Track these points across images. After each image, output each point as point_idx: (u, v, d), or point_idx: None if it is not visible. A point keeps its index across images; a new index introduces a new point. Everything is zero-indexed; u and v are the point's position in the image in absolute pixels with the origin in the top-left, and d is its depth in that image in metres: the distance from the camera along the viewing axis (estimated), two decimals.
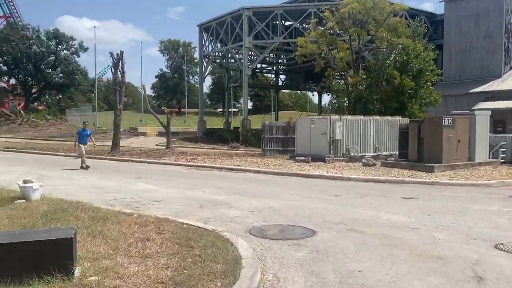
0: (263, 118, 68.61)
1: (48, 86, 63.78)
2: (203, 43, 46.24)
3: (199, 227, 6.29)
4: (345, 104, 25.28)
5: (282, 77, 59.12)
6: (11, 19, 69.20)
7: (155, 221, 6.47)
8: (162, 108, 29.12)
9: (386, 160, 18.59)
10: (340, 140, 19.58)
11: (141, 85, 34.68)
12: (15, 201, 7.80)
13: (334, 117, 19.66)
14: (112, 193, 10.37)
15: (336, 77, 27.82)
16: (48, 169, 15.96)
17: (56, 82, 62.53)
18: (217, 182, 13.12)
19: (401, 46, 25.49)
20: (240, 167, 16.84)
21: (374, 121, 20.76)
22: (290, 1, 42.66)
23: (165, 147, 26.99)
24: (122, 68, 21.96)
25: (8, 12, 72.54)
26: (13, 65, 59.31)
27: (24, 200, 7.84)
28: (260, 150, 27.93)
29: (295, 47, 42.22)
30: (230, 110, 67.50)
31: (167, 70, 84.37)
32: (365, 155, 19.82)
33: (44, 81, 62.08)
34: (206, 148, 30.95)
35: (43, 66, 60.82)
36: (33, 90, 64.37)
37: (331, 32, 26.32)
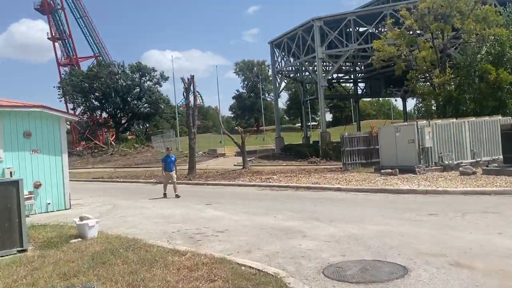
0: (344, 130, 66.26)
1: (135, 117, 67.52)
2: (276, 59, 45.71)
3: (258, 270, 5.15)
4: (433, 108, 22.80)
5: (361, 85, 56.60)
6: (100, 57, 74.83)
7: (209, 262, 5.47)
8: (236, 128, 28.83)
9: (487, 166, 16.09)
10: (430, 147, 17.42)
11: (215, 107, 34.74)
12: (71, 240, 7.30)
13: (422, 122, 17.57)
14: (177, 223, 9.65)
15: (420, 79, 25.39)
16: (125, 198, 15.93)
17: (142, 112, 66.12)
18: (291, 204, 11.93)
19: (493, 37, 22.59)
20: (318, 185, 15.48)
21: (470, 123, 18.27)
22: (362, 6, 40.70)
23: (241, 167, 26.44)
24: (194, 91, 21.86)
25: (97, 52, 78.70)
26: (103, 100, 63.81)
27: (79, 239, 7.32)
28: (341, 164, 26.27)
29: (372, 52, 40.23)
30: (308, 124, 66.20)
31: (243, 90, 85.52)
32: (461, 163, 17.44)
33: (131, 112, 65.89)
34: (284, 165, 29.88)
35: (129, 98, 64.65)
36: (122, 121, 68.59)
37: (410, 31, 24.12)
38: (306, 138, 49.83)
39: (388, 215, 9.34)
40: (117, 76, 62.33)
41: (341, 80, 56.27)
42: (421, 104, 24.26)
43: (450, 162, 17.23)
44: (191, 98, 22.01)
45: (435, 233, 7.26)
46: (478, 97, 22.39)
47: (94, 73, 60.14)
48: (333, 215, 9.68)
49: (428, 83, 24.24)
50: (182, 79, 21.38)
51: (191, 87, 21.53)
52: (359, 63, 47.76)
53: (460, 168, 15.58)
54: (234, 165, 32.16)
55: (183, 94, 23.01)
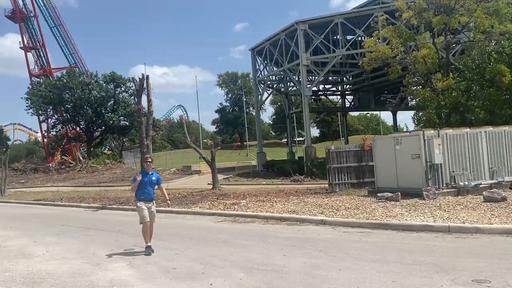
0: (331, 145, 62.75)
1: (110, 130, 62.95)
2: (257, 67, 42.07)
3: None
4: (435, 117, 19.08)
5: (349, 98, 53.20)
6: (77, 68, 70.37)
7: None
8: (219, 143, 24.80)
9: None
10: (441, 164, 13.58)
11: (179, 116, 30.70)
12: None
13: (429, 132, 13.75)
14: None
15: (419, 83, 21.73)
16: (28, 235, 11.70)
17: (116, 125, 61.61)
18: (249, 251, 7.89)
19: (507, 34, 19.14)
20: (296, 215, 11.47)
21: (487, 134, 14.51)
22: (351, 9, 37.40)
23: (211, 187, 22.35)
24: (148, 95, 17.88)
25: (73, 62, 74.33)
26: (73, 112, 59.31)
27: None
28: (327, 184, 22.38)
29: (362, 58, 36.84)
30: (294, 139, 62.47)
31: (227, 104, 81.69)
32: (480, 184, 13.65)
33: (105, 125, 61.37)
34: (264, 184, 25.87)
35: (103, 110, 60.27)
36: (96, 135, 63.99)
37: (408, 26, 20.53)
38: (291, 154, 45.98)
39: (402, 281, 5.39)
40: (89, 87, 57.98)
41: (327, 93, 52.79)
42: (421, 113, 20.53)
43: (466, 183, 13.39)
44: (144, 103, 17.99)
45: None
46: (488, 104, 18.77)
47: (63, 83, 55.70)
48: (312, 282, 5.68)
49: (428, 88, 20.55)
50: (133, 79, 17.33)
51: (145, 90, 17.48)
52: (347, 74, 44.30)
53: (485, 193, 11.73)
54: (208, 183, 28.04)
55: (134, 97, 18.96)
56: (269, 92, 45.68)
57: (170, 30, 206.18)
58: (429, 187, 12.97)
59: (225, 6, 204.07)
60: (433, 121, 18.51)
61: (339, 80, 48.49)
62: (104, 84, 60.55)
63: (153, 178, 8.55)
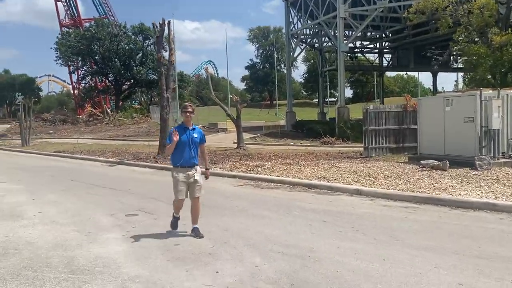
0: (369, 105, 59.88)
1: (138, 84, 62.16)
2: (291, 20, 39.54)
3: None
4: (488, 77, 16.83)
5: (387, 57, 50.02)
6: (106, 19, 69.10)
7: None
8: (236, 99, 23.27)
9: None
10: (498, 130, 11.70)
11: (204, 68, 29.06)
12: None
13: (487, 92, 11.79)
14: None
15: (471, 39, 19.24)
16: (29, 191, 10.77)
17: (144, 79, 60.67)
18: (269, 226, 6.53)
19: None
20: (328, 182, 10.00)
21: None
22: None
23: (236, 146, 21.09)
24: (169, 43, 16.33)
25: (103, 13, 73.17)
26: (102, 64, 58.61)
27: None
28: (362, 147, 20.71)
29: (406, 9, 33.81)
30: (326, 99, 60.13)
31: (258, 60, 79.05)
32: None
33: (133, 78, 60.55)
34: (291, 145, 24.42)
35: (132, 63, 59.29)
36: (124, 88, 63.45)
37: None
38: (322, 114, 44.07)
39: None
40: (118, 38, 56.77)
41: (364, 50, 49.78)
42: (472, 73, 18.23)
43: None
44: (165, 52, 16.45)
45: None
46: None
47: (92, 33, 54.66)
48: (349, 277, 4.28)
49: (483, 44, 18.10)
50: (153, 24, 15.78)
51: (165, 36, 15.91)
52: (386, 30, 41.16)
53: None
54: (233, 142, 26.84)
55: (154, 45, 17.43)
56: (302, 47, 43.29)
57: None
58: (483, 156, 11.17)
59: None
60: (487, 81, 16.30)
61: (377, 36, 45.35)
62: (133, 36, 59.20)
63: (195, 135, 5.97)
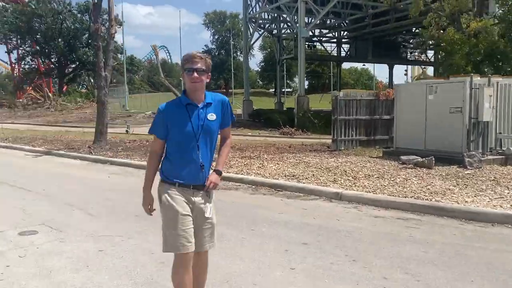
0: (320, 99, 58.96)
1: (84, 66, 57.83)
2: (249, 3, 37.37)
3: None
4: (465, 65, 15.61)
5: (345, 47, 49.04)
6: None
7: None
8: None
9: None
10: (488, 123, 10.30)
11: (152, 46, 26.50)
12: None
13: (479, 79, 10.32)
14: None
15: (442, 25, 17.98)
16: None
17: (91, 61, 56.45)
18: (224, 255, 4.51)
19: None
20: (297, 183, 8.11)
21: None
22: None
23: None
24: (110, 13, 13.76)
25: None
26: (44, 44, 53.90)
27: None
28: (325, 138, 19.11)
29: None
30: (283, 89, 58.70)
31: (213, 46, 76.17)
32: None
33: (78, 60, 56.25)
34: (249, 135, 22.48)
35: (78, 44, 54.97)
36: (68, 71, 58.92)
37: None
38: (279, 104, 42.44)
39: None
40: (61, 16, 52.24)
41: (323, 39, 48.56)
42: (445, 61, 16.97)
43: None
44: (103, 23, 13.80)
45: None
46: None
47: (31, 9, 49.86)
48: None
49: (453, 31, 16.86)
50: None
51: (102, 3, 13.27)
52: (347, 18, 39.97)
53: None
54: None
55: (90, 14, 14.72)
56: (260, 32, 41.19)
57: None
58: (472, 152, 9.71)
59: None
60: (463, 69, 15.04)
61: (336, 25, 44.18)
62: (79, 15, 54.82)
63: (211, 116, 2.92)
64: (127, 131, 22.62)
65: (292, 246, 4.70)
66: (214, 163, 3.03)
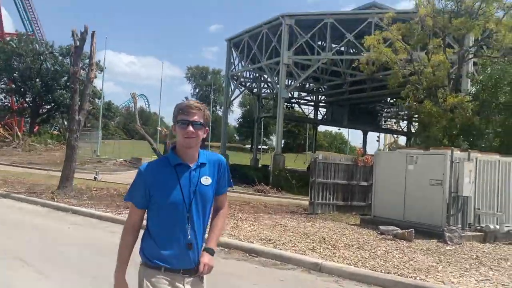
0: (295, 158, 59.30)
1: (59, 108, 56.87)
2: (232, 61, 38.13)
3: None
4: (443, 138, 15.87)
5: (322, 111, 50.21)
6: (33, 37, 63.82)
7: None
8: (165, 131, 20.65)
9: None
10: (468, 198, 10.18)
11: (131, 94, 26.31)
12: None
13: (459, 153, 10.32)
14: None
15: (418, 98, 18.48)
16: None
17: (67, 104, 55.67)
18: None
19: None
20: (274, 249, 7.58)
21: None
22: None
23: None
24: (91, 57, 13.47)
25: (30, 30, 67.69)
26: (20, 83, 53.09)
27: None
28: (299, 199, 18.83)
29: (347, 67, 33.74)
30: (259, 146, 59.00)
31: (193, 99, 76.88)
32: (511, 230, 10.33)
33: (54, 101, 55.37)
34: None
35: (55, 86, 54.38)
36: (42, 111, 57.74)
37: (421, 26, 17.19)
38: (255, 161, 42.33)
39: None
40: (41, 57, 51.95)
41: (301, 101, 49.73)
42: (423, 132, 17.26)
43: (497, 227, 10.01)
44: (84, 67, 13.51)
45: None
46: (502, 132, 15.85)
47: (12, 47, 49.51)
48: None
49: (429, 105, 17.31)
50: (73, 32, 12.86)
51: (84, 47, 13.05)
52: (325, 84, 41.20)
53: None
54: None
55: (70, 56, 14.53)
56: (241, 90, 41.80)
57: (143, 19, 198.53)
58: (453, 227, 9.46)
59: (202, 5, 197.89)
60: (440, 141, 15.25)
61: (315, 89, 45.43)
62: (60, 57, 54.69)
63: (205, 180, 2.39)
64: (95, 177, 21.68)
65: None
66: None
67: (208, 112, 2.43)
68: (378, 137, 61.24)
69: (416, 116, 19.16)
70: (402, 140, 51.11)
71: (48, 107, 57.14)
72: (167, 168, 2.33)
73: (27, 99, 56.39)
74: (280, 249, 7.54)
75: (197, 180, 2.33)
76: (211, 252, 2.41)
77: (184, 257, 2.28)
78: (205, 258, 2.36)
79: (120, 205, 11.85)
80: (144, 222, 2.43)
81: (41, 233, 8.24)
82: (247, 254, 7.37)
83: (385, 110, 49.82)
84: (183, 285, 2.28)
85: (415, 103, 17.96)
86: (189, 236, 2.27)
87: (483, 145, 15.80)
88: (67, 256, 6.42)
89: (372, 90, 37.21)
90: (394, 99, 31.04)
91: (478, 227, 10.30)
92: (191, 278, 2.31)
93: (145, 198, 2.31)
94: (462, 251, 8.37)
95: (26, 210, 11.06)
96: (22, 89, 54.29)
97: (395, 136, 51.35)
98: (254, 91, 43.38)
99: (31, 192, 13.46)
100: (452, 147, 11.05)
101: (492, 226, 9.96)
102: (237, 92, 40.80)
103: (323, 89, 44.52)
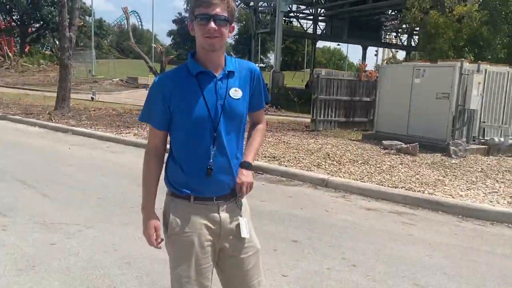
0: (293, 76, 58.27)
1: (48, 27, 54.63)
2: None
3: None
4: (449, 50, 15.26)
5: (321, 25, 48.28)
6: None
7: None
8: (160, 49, 19.60)
9: None
10: (474, 111, 9.97)
11: (123, 9, 25.02)
12: None
13: (468, 65, 9.90)
14: None
15: (423, 8, 17.48)
16: None
17: (56, 22, 53.26)
18: None
19: None
20: (279, 166, 7.51)
21: None
22: None
23: None
24: None
25: None
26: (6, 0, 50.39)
27: None
28: (299, 116, 18.65)
29: None
30: (257, 63, 57.74)
31: (186, 15, 73.72)
32: None
33: (42, 20, 53.07)
34: None
35: (42, 2, 51.72)
36: (31, 30, 55.57)
37: None
38: None
39: None
40: None
41: (300, 15, 47.66)
42: (428, 44, 16.57)
43: (502, 140, 9.91)
44: None
45: None
46: (511, 41, 15.27)
47: None
48: None
49: (435, 14, 16.40)
50: None
51: None
52: None
53: None
54: None
55: None
56: (237, 3, 39.72)
57: None
58: (458, 141, 9.36)
59: None
60: (446, 53, 14.69)
61: (314, 1, 43.26)
62: None
63: (234, 92, 1.91)
64: (92, 98, 21.31)
65: (281, 245, 4.11)
66: None
67: (233, 3, 1.88)
68: (376, 51, 59.78)
69: (417, 29, 18.18)
70: (401, 54, 49.93)
71: (37, 25, 54.87)
72: (187, 78, 1.87)
73: (14, 17, 53.95)
74: (286, 166, 7.46)
75: (225, 92, 1.88)
76: (247, 165, 1.96)
77: (217, 182, 1.88)
78: (244, 175, 1.93)
79: (120, 125, 11.65)
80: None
81: (41, 154, 8.11)
82: (253, 172, 7.30)
83: (387, 24, 47.90)
84: (219, 213, 1.91)
85: (420, 14, 17.05)
86: (211, 160, 1.85)
87: (489, 57, 15.29)
88: (69, 177, 6.32)
89: (374, 1, 35.48)
90: (397, 11, 29.67)
91: (482, 140, 10.23)
92: (227, 204, 1.93)
93: (165, 116, 1.88)
94: (467, 164, 8.33)
95: (24, 131, 10.87)
96: (7, 6, 51.69)
97: (393, 50, 50.08)
98: (250, 4, 41.33)
99: (28, 113, 13.19)
100: (462, 59, 10.59)
101: (496, 139, 9.86)
102: None
103: (323, 2, 42.46)
